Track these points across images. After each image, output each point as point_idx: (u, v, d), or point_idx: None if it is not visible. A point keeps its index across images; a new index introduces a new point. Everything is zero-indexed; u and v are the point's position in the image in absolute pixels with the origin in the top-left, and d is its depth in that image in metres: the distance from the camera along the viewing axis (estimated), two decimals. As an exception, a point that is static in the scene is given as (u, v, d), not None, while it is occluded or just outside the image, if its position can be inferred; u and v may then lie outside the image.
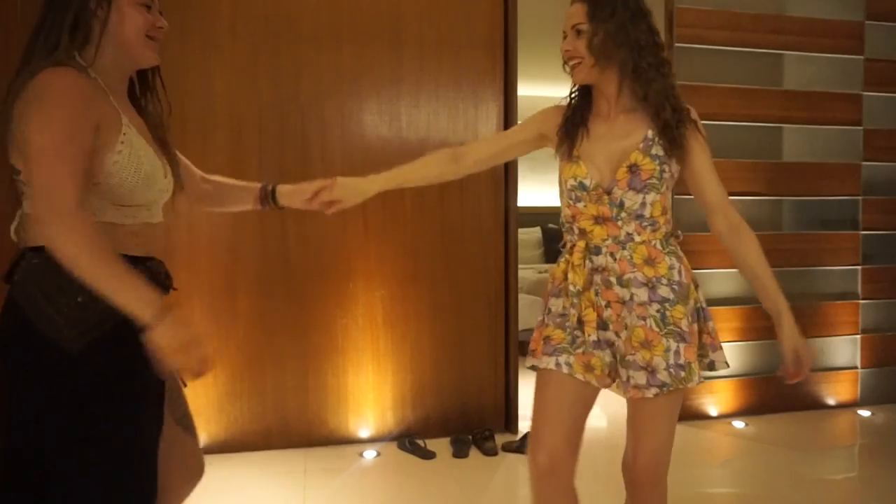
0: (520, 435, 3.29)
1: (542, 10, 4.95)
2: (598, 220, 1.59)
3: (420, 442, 3.17)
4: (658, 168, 1.56)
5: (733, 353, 3.76)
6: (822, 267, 3.90)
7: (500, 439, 3.26)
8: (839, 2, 3.87)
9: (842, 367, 3.92)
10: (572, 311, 1.61)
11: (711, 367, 1.65)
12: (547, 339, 1.64)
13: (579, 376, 1.60)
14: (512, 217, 3.42)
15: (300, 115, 3.19)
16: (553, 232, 7.26)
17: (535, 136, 1.74)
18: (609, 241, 1.59)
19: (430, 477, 2.90)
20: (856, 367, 3.93)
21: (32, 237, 1.25)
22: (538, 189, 7.48)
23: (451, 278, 3.35)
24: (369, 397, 3.28)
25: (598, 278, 1.59)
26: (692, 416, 3.66)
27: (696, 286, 1.66)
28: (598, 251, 1.60)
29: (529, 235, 7.13)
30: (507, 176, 3.41)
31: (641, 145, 1.57)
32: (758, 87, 3.75)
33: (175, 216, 1.54)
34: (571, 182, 1.61)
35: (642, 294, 1.56)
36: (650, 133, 1.58)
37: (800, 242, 3.86)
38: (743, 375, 3.76)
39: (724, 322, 3.73)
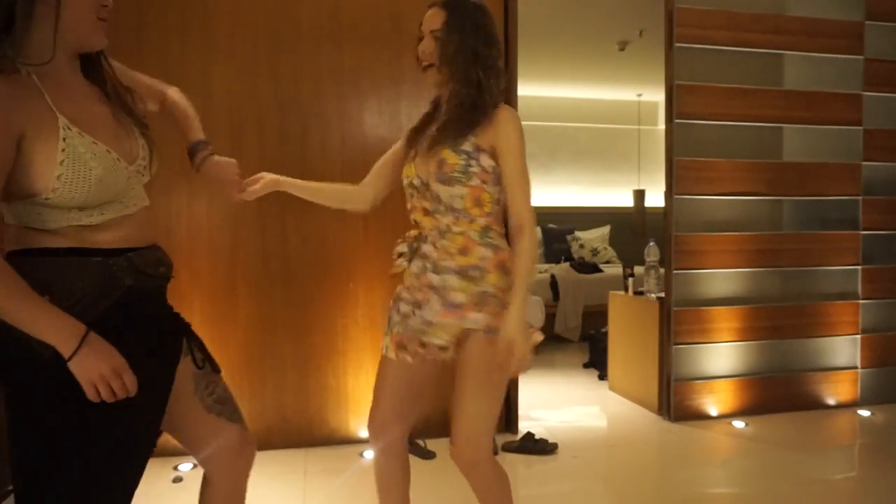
0: (520, 435, 3.29)
1: (542, 10, 4.97)
2: (426, 212, 1.74)
3: (420, 442, 3.16)
4: (463, 162, 1.66)
5: (733, 353, 3.76)
6: (822, 267, 3.90)
7: (500, 439, 3.26)
8: (839, 2, 3.87)
9: (842, 367, 3.92)
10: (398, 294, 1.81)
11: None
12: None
13: (392, 355, 1.80)
14: (512, 217, 3.41)
15: (300, 115, 3.19)
16: (553, 232, 7.27)
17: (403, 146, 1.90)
18: (434, 232, 1.73)
19: (430, 477, 2.90)
20: (856, 367, 3.93)
21: None
22: (538, 189, 7.48)
23: (451, 278, 3.34)
24: (369, 397, 3.26)
25: (420, 264, 1.74)
26: (692, 416, 3.66)
27: (506, 275, 1.69)
28: (424, 240, 1.76)
29: (529, 235, 7.12)
30: (507, 176, 3.41)
31: (455, 143, 1.68)
32: (758, 87, 3.75)
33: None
34: (405, 181, 1.79)
35: (453, 281, 1.67)
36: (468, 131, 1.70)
37: (800, 242, 3.86)
38: (743, 375, 3.76)
39: (724, 322, 3.73)
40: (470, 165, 1.67)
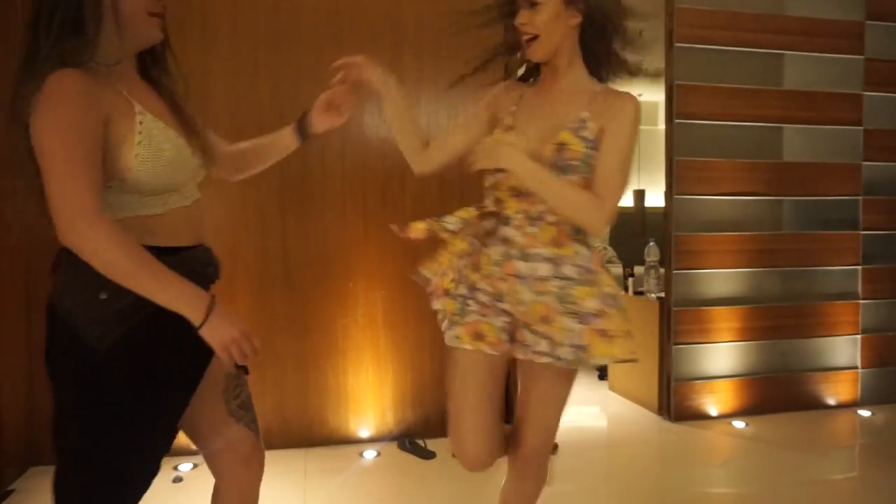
0: (520, 435, 3.28)
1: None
2: (516, 192, 1.56)
3: (420, 442, 3.17)
4: (584, 151, 1.51)
5: (733, 353, 3.76)
6: (822, 267, 3.90)
7: (500, 439, 3.26)
8: (839, 2, 3.87)
9: (842, 367, 3.92)
10: (465, 275, 1.63)
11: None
12: (444, 312, 1.68)
13: (468, 346, 1.60)
14: (512, 217, 3.41)
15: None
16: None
17: (489, 118, 1.70)
18: (521, 216, 1.56)
19: (430, 477, 2.90)
20: (856, 367, 3.92)
21: None
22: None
23: (451, 278, 3.34)
24: (369, 397, 3.28)
25: (502, 250, 1.58)
26: (692, 416, 3.66)
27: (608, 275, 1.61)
28: (507, 222, 1.58)
29: (529, 235, 7.12)
30: (507, 176, 3.41)
31: (573, 125, 1.54)
32: (758, 87, 3.75)
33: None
34: (498, 175, 1.59)
35: (544, 269, 1.53)
36: (585, 115, 1.55)
37: (800, 242, 3.86)
38: (743, 375, 3.76)
39: (724, 322, 3.73)
40: (591, 156, 1.51)
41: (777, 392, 3.79)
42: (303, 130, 1.69)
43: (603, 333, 1.51)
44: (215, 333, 1.22)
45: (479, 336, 1.60)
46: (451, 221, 1.64)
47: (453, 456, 1.69)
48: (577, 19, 1.54)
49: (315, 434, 3.22)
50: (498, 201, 1.61)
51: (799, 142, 3.87)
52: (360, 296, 3.26)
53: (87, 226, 1.13)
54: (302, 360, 3.21)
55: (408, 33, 3.29)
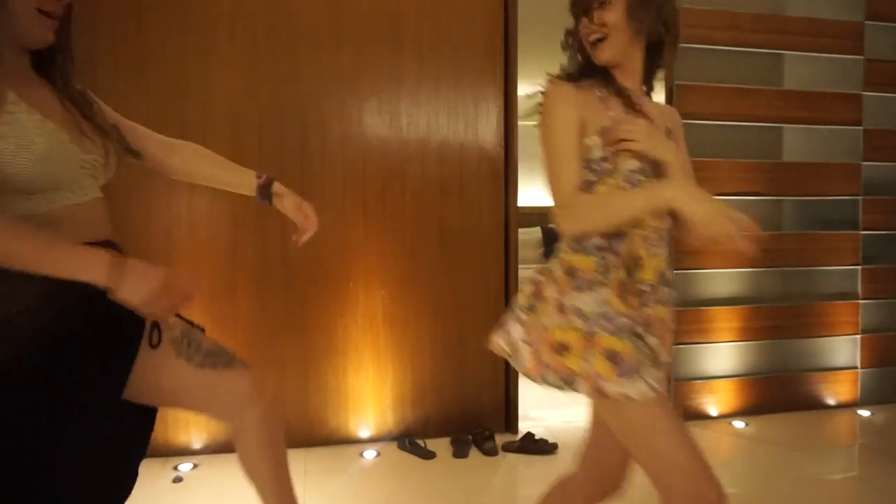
0: (520, 435, 3.28)
1: (542, 10, 4.96)
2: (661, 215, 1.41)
3: (420, 442, 3.17)
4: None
5: (733, 353, 3.76)
6: (822, 267, 3.90)
7: (501, 439, 3.26)
8: (839, 2, 3.87)
9: (842, 367, 3.91)
10: (629, 313, 1.38)
11: None
12: (613, 354, 1.34)
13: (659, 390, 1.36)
14: (512, 217, 3.42)
15: (300, 115, 3.19)
16: (553, 232, 7.26)
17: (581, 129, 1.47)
18: (654, 236, 1.42)
19: (430, 477, 2.90)
20: (856, 367, 3.92)
21: None
22: (538, 189, 7.48)
23: (451, 278, 3.35)
24: (369, 397, 3.28)
25: (646, 275, 1.41)
26: (692, 416, 3.66)
27: None
28: (652, 243, 1.43)
29: (529, 235, 7.13)
30: (507, 176, 3.42)
31: (672, 133, 1.51)
32: (758, 87, 3.75)
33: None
34: (634, 164, 1.40)
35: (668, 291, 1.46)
36: (669, 125, 1.54)
37: (800, 242, 3.86)
38: (743, 375, 3.76)
39: (724, 322, 3.73)
40: None
41: (777, 392, 3.79)
42: (265, 193, 1.67)
43: None
44: (132, 293, 1.12)
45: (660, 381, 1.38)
46: (643, 278, 1.42)
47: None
48: (644, 24, 1.46)
49: (315, 434, 3.22)
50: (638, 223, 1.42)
51: (799, 142, 3.86)
52: (360, 296, 3.26)
53: None
54: (302, 361, 3.21)
55: (408, 33, 3.29)
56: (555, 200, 1.42)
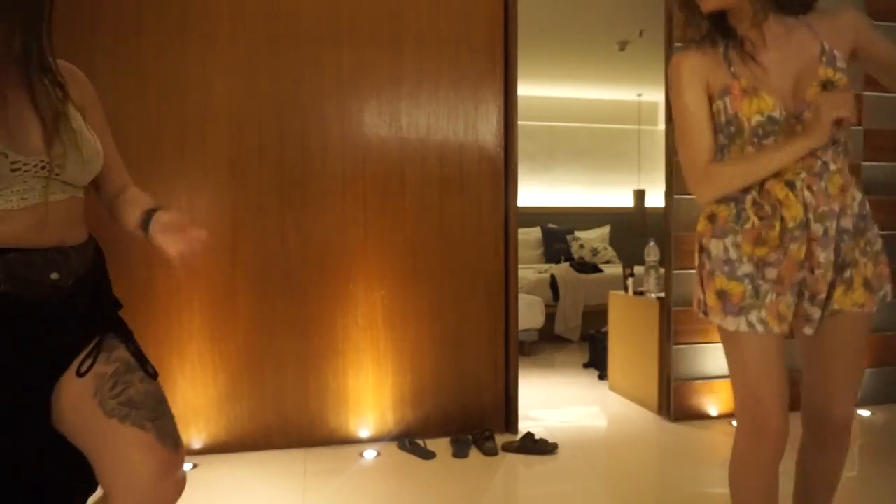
0: (520, 435, 3.28)
1: (542, 10, 4.97)
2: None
3: (420, 442, 3.17)
4: (847, 80, 1.46)
5: (733, 353, 3.76)
6: (822, 267, 3.90)
7: (500, 439, 3.26)
8: (839, 2, 3.87)
9: (842, 367, 3.91)
10: (761, 256, 1.51)
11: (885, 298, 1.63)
12: (722, 294, 1.55)
13: (776, 329, 1.53)
14: (512, 217, 3.42)
15: (300, 115, 3.19)
16: (553, 232, 7.27)
17: (705, 89, 1.54)
18: (804, 174, 1.47)
19: (430, 477, 2.90)
20: (856, 367, 3.92)
21: None
22: (538, 189, 7.49)
23: (451, 278, 3.35)
24: (369, 397, 3.28)
25: (792, 212, 1.48)
26: (692, 416, 3.66)
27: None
28: (792, 185, 1.48)
29: (529, 235, 7.14)
30: (507, 176, 3.41)
31: (825, 59, 1.46)
32: (758, 87, 3.75)
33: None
34: (758, 118, 1.46)
35: (847, 223, 1.51)
36: (826, 45, 1.47)
37: (800, 242, 3.85)
38: (743, 375, 3.76)
39: (724, 322, 3.72)
40: (849, 82, 1.46)
41: (777, 392, 3.79)
42: (146, 226, 1.38)
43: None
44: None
45: (782, 318, 1.53)
46: (792, 216, 1.49)
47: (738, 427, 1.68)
48: None
49: (315, 434, 3.22)
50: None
51: (799, 142, 3.86)
52: (360, 296, 3.26)
53: None
54: (302, 361, 3.21)
55: (408, 33, 3.29)
56: (690, 172, 1.54)
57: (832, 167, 1.49)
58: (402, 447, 3.18)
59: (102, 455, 1.23)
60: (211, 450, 3.09)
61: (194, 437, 3.10)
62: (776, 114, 1.46)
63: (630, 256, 6.51)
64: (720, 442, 3.39)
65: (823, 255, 1.49)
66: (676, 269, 3.66)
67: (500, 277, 3.41)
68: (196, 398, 3.09)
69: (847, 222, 1.52)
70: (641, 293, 4.11)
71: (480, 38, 3.37)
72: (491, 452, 3.13)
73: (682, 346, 3.68)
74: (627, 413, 3.88)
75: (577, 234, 7.35)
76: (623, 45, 5.85)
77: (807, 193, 1.48)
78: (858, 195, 1.56)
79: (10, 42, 1.18)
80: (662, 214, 3.78)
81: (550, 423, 3.63)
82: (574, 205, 7.74)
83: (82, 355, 1.28)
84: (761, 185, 1.50)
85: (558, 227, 7.30)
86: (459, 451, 3.12)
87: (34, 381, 1.24)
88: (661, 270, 3.88)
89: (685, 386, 3.68)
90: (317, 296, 3.21)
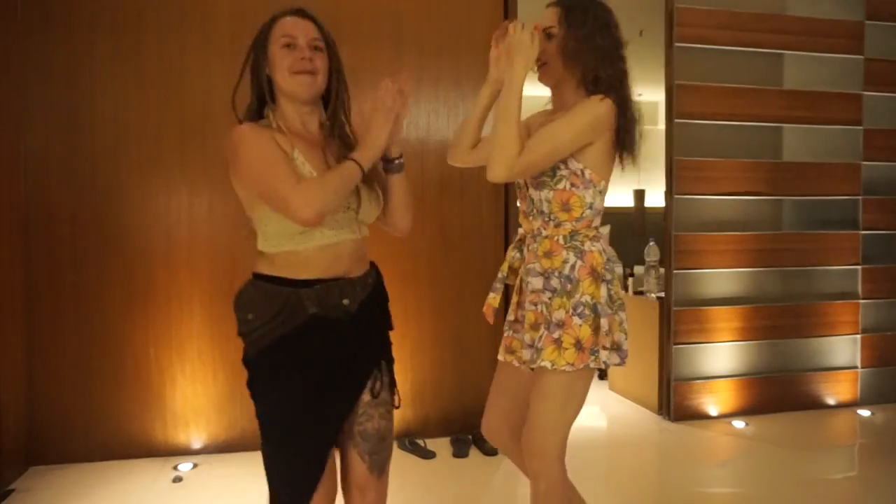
0: (520, 435, 3.29)
1: (542, 10, 4.96)
2: (525, 214, 1.77)
3: (420, 442, 3.17)
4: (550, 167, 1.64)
5: (733, 353, 3.76)
6: (822, 267, 3.90)
7: (500, 439, 3.26)
8: (839, 2, 3.87)
9: (842, 367, 3.92)
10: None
11: (604, 364, 1.64)
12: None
13: (501, 358, 1.83)
14: (512, 217, 3.42)
15: (300, 115, 3.18)
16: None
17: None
18: (529, 235, 1.75)
19: (430, 477, 2.90)
20: (856, 367, 3.93)
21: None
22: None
23: (451, 278, 3.35)
24: (369, 397, 3.28)
25: (524, 268, 1.75)
26: (692, 415, 3.66)
27: (602, 282, 1.65)
28: (523, 243, 1.78)
29: (529, 235, 7.12)
30: (507, 176, 3.41)
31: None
32: (758, 86, 3.75)
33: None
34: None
35: (537, 283, 1.67)
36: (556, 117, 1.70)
37: (800, 242, 3.86)
38: (743, 375, 3.76)
39: (724, 322, 3.73)
40: (557, 169, 1.65)
41: (777, 392, 3.79)
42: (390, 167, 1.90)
43: (557, 342, 1.61)
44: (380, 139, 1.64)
45: (509, 350, 1.83)
46: (502, 271, 1.84)
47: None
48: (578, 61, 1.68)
49: (315, 434, 3.22)
50: (521, 225, 1.82)
51: (799, 142, 3.87)
52: (360, 296, 3.25)
53: None
54: (302, 360, 3.20)
55: (408, 33, 3.29)
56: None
57: (543, 233, 1.70)
58: (402, 447, 3.18)
59: (342, 474, 1.60)
60: (211, 450, 3.09)
61: (194, 437, 3.09)
62: (520, 181, 1.78)
63: (630, 256, 6.49)
64: (720, 442, 3.39)
65: (527, 305, 1.74)
66: (676, 269, 3.66)
67: (500, 277, 3.41)
68: (196, 398, 3.09)
69: (554, 282, 1.68)
70: (641, 293, 4.11)
71: (480, 38, 3.36)
72: (491, 452, 3.13)
73: (682, 346, 3.68)
74: (627, 413, 3.88)
75: (577, 233, 7.32)
76: (623, 45, 5.84)
77: (525, 251, 1.76)
78: (573, 259, 1.68)
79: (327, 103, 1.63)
80: (662, 214, 3.78)
81: (550, 423, 3.62)
82: (574, 205, 7.72)
83: (373, 380, 1.57)
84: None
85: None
86: (459, 451, 3.12)
87: (362, 379, 1.56)
88: (661, 270, 3.89)
89: (685, 386, 3.68)
90: (317, 296, 3.21)
